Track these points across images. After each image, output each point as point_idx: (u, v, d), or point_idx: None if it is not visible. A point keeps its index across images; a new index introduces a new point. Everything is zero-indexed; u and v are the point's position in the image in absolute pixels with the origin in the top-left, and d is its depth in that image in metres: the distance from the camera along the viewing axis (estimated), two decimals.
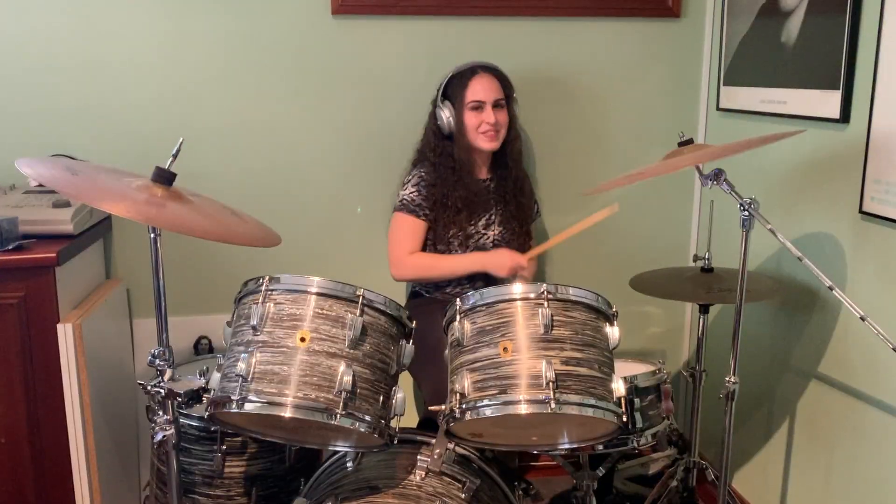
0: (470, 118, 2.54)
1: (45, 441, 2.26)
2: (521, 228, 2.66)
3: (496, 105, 2.54)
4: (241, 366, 1.68)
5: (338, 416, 1.67)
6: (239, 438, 2.12)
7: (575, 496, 2.32)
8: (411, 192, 2.56)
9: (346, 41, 2.78)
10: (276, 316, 1.74)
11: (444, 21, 2.81)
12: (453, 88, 2.56)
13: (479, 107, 2.53)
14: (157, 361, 1.77)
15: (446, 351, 1.86)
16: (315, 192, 2.86)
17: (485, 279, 2.59)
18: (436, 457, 1.92)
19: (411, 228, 2.56)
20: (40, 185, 2.48)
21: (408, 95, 2.78)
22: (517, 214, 2.66)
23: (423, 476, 1.90)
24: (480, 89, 2.53)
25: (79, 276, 2.44)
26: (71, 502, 2.29)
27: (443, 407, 1.80)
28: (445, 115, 2.55)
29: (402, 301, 2.72)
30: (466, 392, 1.73)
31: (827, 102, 2.26)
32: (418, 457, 1.94)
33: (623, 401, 1.77)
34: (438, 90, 2.59)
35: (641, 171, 2.21)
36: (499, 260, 2.52)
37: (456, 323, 1.82)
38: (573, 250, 3.03)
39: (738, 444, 2.79)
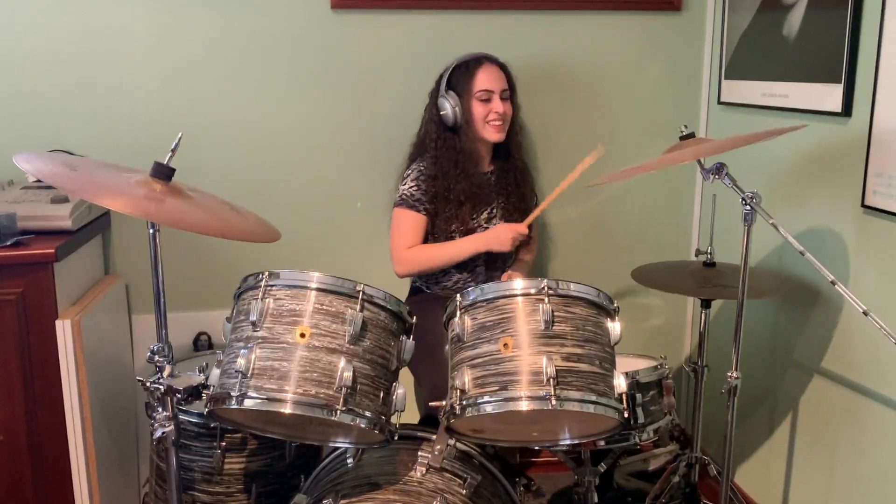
0: (478, 108, 2.51)
1: (43, 438, 2.25)
2: (522, 219, 2.65)
3: (502, 96, 2.53)
4: (240, 362, 1.67)
5: (338, 412, 1.66)
6: (239, 435, 2.11)
7: (576, 492, 2.31)
8: (411, 187, 2.54)
9: (346, 36, 2.76)
10: (276, 312, 1.73)
11: (445, 15, 2.80)
12: (458, 78, 2.53)
13: (487, 97, 2.51)
14: (157, 358, 1.76)
15: (446, 347, 1.85)
16: (315, 187, 2.85)
17: (485, 265, 2.58)
18: (436, 453, 1.92)
19: (411, 223, 2.54)
20: (38, 181, 2.47)
21: (408, 90, 2.77)
22: (519, 206, 2.65)
23: (424, 472, 1.90)
24: (489, 79, 2.51)
25: (77, 272, 2.43)
26: (70, 499, 2.28)
27: (443, 403, 1.79)
28: (450, 105, 2.51)
29: (403, 297, 2.71)
30: (467, 388, 1.72)
31: (829, 96, 2.25)
32: (419, 453, 1.93)
33: (624, 396, 1.76)
34: (440, 81, 2.56)
35: (640, 166, 2.19)
36: (499, 235, 2.49)
37: (456, 319, 1.81)
38: (574, 244, 3.03)
39: (740, 440, 2.78)
